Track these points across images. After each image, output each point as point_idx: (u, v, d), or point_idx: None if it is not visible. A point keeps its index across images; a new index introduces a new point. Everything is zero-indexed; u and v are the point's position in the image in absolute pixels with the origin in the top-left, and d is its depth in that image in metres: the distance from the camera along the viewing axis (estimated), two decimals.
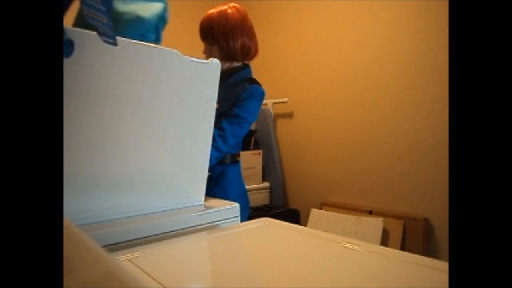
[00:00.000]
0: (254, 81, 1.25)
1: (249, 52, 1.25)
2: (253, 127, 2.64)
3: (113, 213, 0.66)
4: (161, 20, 0.88)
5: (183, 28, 2.48)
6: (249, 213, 1.37)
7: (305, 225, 2.14)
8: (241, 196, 1.30)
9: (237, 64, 1.27)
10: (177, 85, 0.72)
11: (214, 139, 1.13)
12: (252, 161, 2.42)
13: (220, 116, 1.18)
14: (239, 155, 1.34)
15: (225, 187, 1.23)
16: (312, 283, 0.43)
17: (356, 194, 2.15)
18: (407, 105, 1.90)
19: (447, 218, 1.74)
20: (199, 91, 0.76)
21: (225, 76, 1.21)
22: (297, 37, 2.49)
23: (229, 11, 1.19)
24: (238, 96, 1.19)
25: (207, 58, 1.14)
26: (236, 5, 1.23)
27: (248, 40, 1.22)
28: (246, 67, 1.29)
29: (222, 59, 1.18)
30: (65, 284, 0.25)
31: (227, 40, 1.18)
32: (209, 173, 1.18)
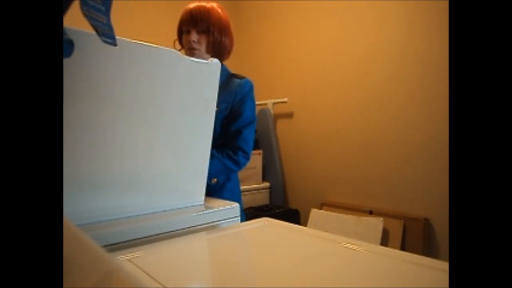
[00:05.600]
0: (239, 76, 1.24)
1: (230, 51, 1.24)
2: None
3: (113, 213, 0.66)
4: None
5: None
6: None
7: (305, 225, 2.14)
8: (241, 197, 1.32)
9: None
10: (177, 85, 0.72)
11: (235, 154, 1.13)
12: (252, 161, 2.42)
13: (224, 119, 1.17)
14: None
15: (232, 190, 1.23)
16: (312, 283, 0.43)
17: (356, 194, 2.15)
18: (408, 105, 1.90)
19: (447, 218, 1.74)
20: (199, 91, 0.76)
21: None
22: (297, 37, 2.49)
23: (217, 7, 1.20)
24: (235, 96, 1.18)
25: (190, 45, 1.14)
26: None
27: (231, 39, 1.22)
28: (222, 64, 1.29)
29: (207, 51, 1.17)
30: (65, 284, 0.25)
31: (221, 34, 1.17)
32: (216, 180, 1.17)
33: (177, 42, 1.24)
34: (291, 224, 0.70)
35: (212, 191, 1.17)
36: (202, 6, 1.18)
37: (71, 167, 0.60)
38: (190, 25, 1.17)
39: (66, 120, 0.57)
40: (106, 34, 0.52)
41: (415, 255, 0.50)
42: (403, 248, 1.80)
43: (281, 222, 0.72)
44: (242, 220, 0.86)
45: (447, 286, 0.35)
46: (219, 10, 1.20)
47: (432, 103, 1.79)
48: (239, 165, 1.16)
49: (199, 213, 0.73)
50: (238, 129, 1.16)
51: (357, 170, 2.14)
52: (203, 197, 0.82)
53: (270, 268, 0.49)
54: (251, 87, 1.22)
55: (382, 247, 0.56)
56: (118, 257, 0.51)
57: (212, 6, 1.19)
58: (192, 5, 1.19)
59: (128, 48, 0.63)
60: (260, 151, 2.49)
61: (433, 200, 1.80)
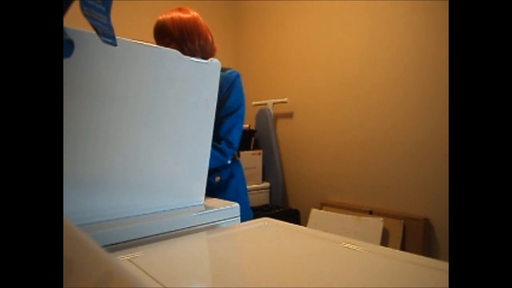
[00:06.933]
0: (223, 69, 1.23)
1: (212, 51, 1.25)
2: (253, 127, 2.64)
3: (113, 213, 0.66)
4: None
5: None
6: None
7: (305, 225, 2.14)
8: (246, 194, 1.32)
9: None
10: (177, 85, 0.72)
11: (219, 143, 1.15)
12: (252, 161, 2.42)
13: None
14: (238, 154, 1.33)
15: (236, 188, 1.23)
16: (312, 283, 0.43)
17: (356, 194, 2.15)
18: (408, 105, 1.90)
19: (447, 218, 1.74)
20: (199, 91, 0.76)
21: None
22: (297, 37, 2.49)
23: (181, 14, 1.19)
24: (221, 90, 1.17)
25: None
26: (186, 8, 1.23)
27: (203, 40, 1.21)
28: None
29: None
30: (65, 284, 0.25)
31: (187, 41, 1.17)
32: (219, 178, 1.18)
33: None
34: (291, 224, 0.70)
35: (217, 190, 1.17)
36: (158, 22, 1.19)
37: (72, 167, 0.60)
38: (156, 40, 1.20)
39: (66, 120, 0.57)
40: (106, 34, 0.52)
41: (415, 255, 0.50)
42: (403, 248, 1.80)
43: (281, 222, 0.72)
44: (249, 218, 0.85)
45: (447, 286, 0.35)
46: (179, 17, 1.18)
47: (432, 103, 1.79)
48: (225, 155, 1.17)
49: (199, 213, 0.73)
50: (220, 119, 1.18)
51: (357, 170, 2.14)
52: (203, 197, 0.82)
53: (270, 268, 0.49)
54: (236, 77, 1.23)
55: (382, 247, 0.56)
56: (118, 257, 0.51)
57: (171, 16, 1.18)
58: (157, 20, 1.20)
59: (128, 48, 0.63)
60: (260, 151, 2.49)
61: (433, 200, 1.80)
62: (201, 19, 1.22)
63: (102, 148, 0.63)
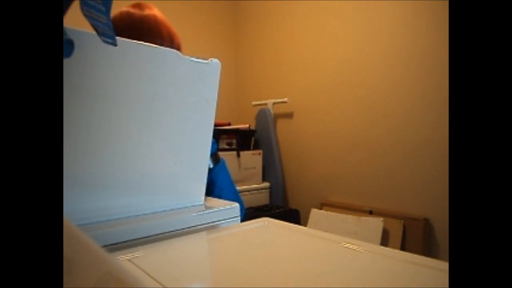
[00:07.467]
0: None
1: (173, 46, 1.01)
2: (253, 127, 2.64)
3: (113, 213, 0.66)
4: None
5: (184, 28, 2.47)
6: (245, 213, 1.25)
7: (305, 225, 2.14)
8: (236, 200, 1.21)
9: None
10: (177, 85, 0.72)
11: None
12: (252, 161, 2.42)
13: None
14: (218, 155, 1.16)
15: (219, 196, 1.08)
16: (312, 283, 0.43)
17: (356, 194, 2.15)
18: (408, 105, 1.90)
19: (447, 218, 1.74)
20: (199, 91, 0.76)
21: None
22: (297, 37, 2.49)
23: (133, 11, 0.95)
24: None
25: None
26: (144, 3, 0.98)
27: (160, 36, 0.98)
28: None
29: None
30: (65, 284, 0.25)
31: (137, 38, 0.96)
32: None
33: None
34: (291, 224, 0.70)
35: None
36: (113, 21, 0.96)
37: (72, 167, 0.60)
38: None
39: (66, 120, 0.57)
40: (106, 34, 0.52)
41: (415, 255, 0.50)
42: (403, 248, 1.81)
43: (281, 222, 0.72)
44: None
45: (447, 286, 0.35)
46: (129, 16, 0.94)
47: (432, 102, 1.79)
48: None
49: (199, 213, 0.73)
50: None
51: (357, 170, 2.14)
52: (203, 197, 0.82)
53: (270, 268, 0.49)
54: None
55: (382, 247, 0.56)
56: (118, 257, 0.51)
57: (121, 16, 0.94)
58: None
59: (128, 48, 0.63)
60: (260, 151, 2.49)
61: (433, 200, 1.80)
62: (159, 17, 0.99)
63: (102, 148, 0.63)
